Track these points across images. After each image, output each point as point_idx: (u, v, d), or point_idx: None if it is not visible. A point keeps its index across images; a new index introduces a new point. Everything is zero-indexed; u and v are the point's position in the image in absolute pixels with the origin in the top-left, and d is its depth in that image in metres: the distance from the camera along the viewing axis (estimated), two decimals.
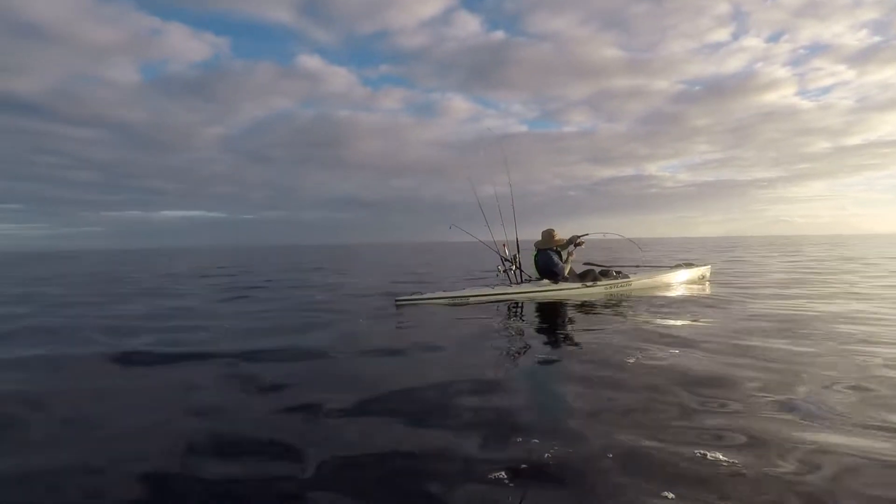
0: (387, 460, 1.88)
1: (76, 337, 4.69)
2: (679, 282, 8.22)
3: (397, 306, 6.13)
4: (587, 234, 7.25)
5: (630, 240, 8.84)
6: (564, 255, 7.18)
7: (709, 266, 9.26)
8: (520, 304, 6.27)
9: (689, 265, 8.77)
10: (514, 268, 7.03)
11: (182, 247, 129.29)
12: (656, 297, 6.72)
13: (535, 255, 7.29)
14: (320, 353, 3.77)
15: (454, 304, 6.31)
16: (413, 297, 6.45)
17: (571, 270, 7.27)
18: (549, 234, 7.18)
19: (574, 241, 7.25)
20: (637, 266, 8.46)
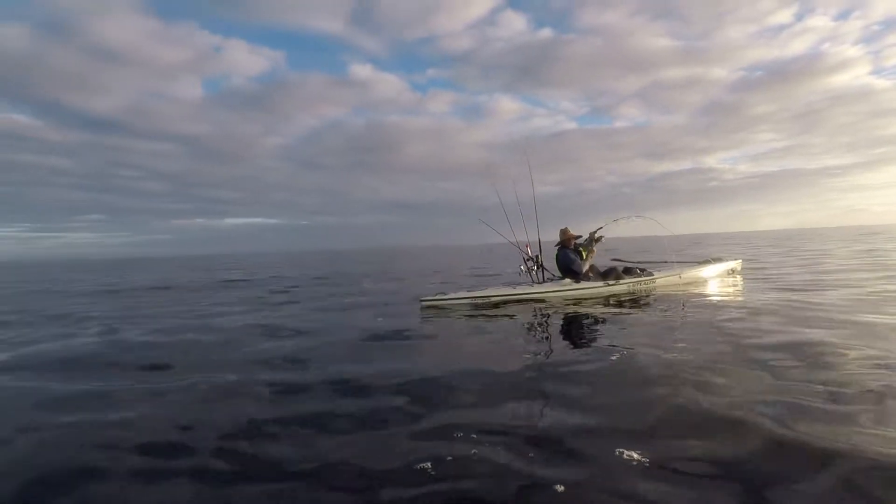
0: None
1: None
2: (706, 277, 8.28)
3: (422, 307, 6.60)
4: (601, 228, 7.52)
5: (658, 224, 7.79)
6: (585, 253, 7.42)
7: (739, 260, 9.29)
8: (542, 304, 6.59)
9: (717, 260, 8.82)
10: (535, 267, 7.35)
11: (247, 252, 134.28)
12: (677, 293, 6.86)
13: (557, 255, 7.58)
14: None
15: (477, 304, 6.68)
16: (437, 297, 6.90)
17: (594, 268, 7.49)
18: (564, 233, 7.44)
19: (593, 238, 7.48)
20: (664, 262, 8.54)
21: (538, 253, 7.39)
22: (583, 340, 4.36)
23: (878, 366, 2.93)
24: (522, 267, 7.38)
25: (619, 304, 6.21)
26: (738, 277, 8.54)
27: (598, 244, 7.56)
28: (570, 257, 7.34)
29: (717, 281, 8.14)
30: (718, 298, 6.34)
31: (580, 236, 7.47)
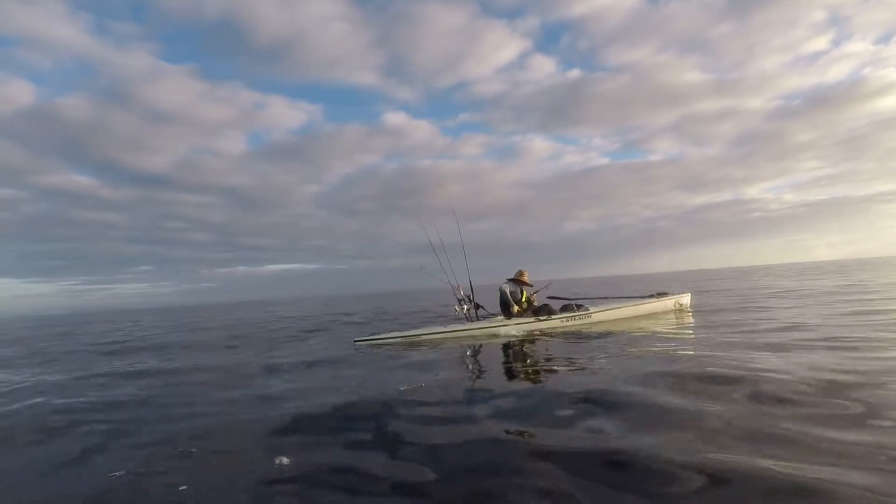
0: None
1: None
2: (646, 313, 8.24)
3: (356, 347, 6.98)
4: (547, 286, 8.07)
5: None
6: (521, 292, 7.81)
7: (688, 294, 9.06)
8: (469, 340, 6.98)
9: (662, 295, 8.66)
10: (466, 308, 7.77)
11: (287, 297, 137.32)
12: (613, 330, 6.74)
13: (500, 292, 7.99)
14: None
15: (408, 343, 6.99)
16: (371, 337, 7.44)
17: (530, 304, 7.85)
18: (519, 273, 7.93)
19: (532, 285, 7.94)
20: (604, 298, 8.72)
21: (470, 294, 7.82)
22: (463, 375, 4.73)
23: None
24: (456, 307, 7.81)
25: (531, 341, 6.48)
26: (687, 314, 8.21)
27: (542, 290, 7.98)
28: (506, 294, 7.73)
29: (657, 317, 7.91)
30: (636, 336, 6.10)
31: (530, 285, 7.92)
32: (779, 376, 3.33)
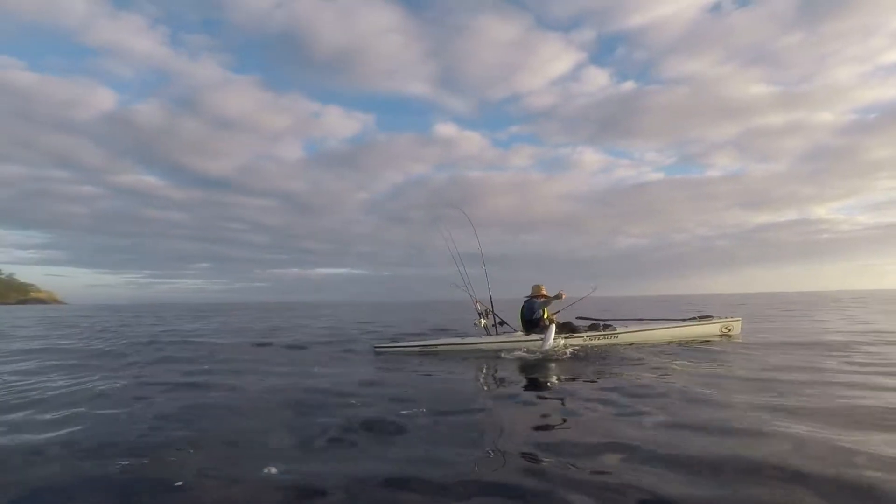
0: None
1: None
2: (684, 338, 7.53)
3: (376, 353, 7.07)
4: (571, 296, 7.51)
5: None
6: (541, 307, 7.43)
7: (738, 320, 8.11)
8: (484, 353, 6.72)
9: (705, 318, 7.90)
10: (483, 322, 7.45)
11: (335, 301, 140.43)
12: (638, 355, 6.15)
13: (522, 307, 7.66)
14: None
15: (425, 353, 7.02)
16: (391, 345, 7.37)
17: (554, 321, 7.45)
18: (536, 288, 7.56)
19: (557, 295, 7.49)
20: (640, 319, 8.12)
21: (489, 308, 7.53)
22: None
23: None
24: (478, 321, 7.53)
25: (551, 360, 6.11)
26: (735, 339, 7.43)
27: (560, 301, 7.52)
28: (531, 309, 7.42)
29: (695, 342, 7.20)
30: (669, 363, 5.58)
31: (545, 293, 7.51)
32: None
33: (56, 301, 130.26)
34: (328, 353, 7.37)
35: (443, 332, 10.45)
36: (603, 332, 7.26)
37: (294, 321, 18.11)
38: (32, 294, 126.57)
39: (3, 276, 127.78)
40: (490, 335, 7.41)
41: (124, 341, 9.71)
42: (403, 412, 3.44)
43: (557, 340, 6.80)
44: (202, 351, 7.89)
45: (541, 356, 6.27)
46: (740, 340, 7.46)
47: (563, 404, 3.74)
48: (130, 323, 17.89)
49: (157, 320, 19.94)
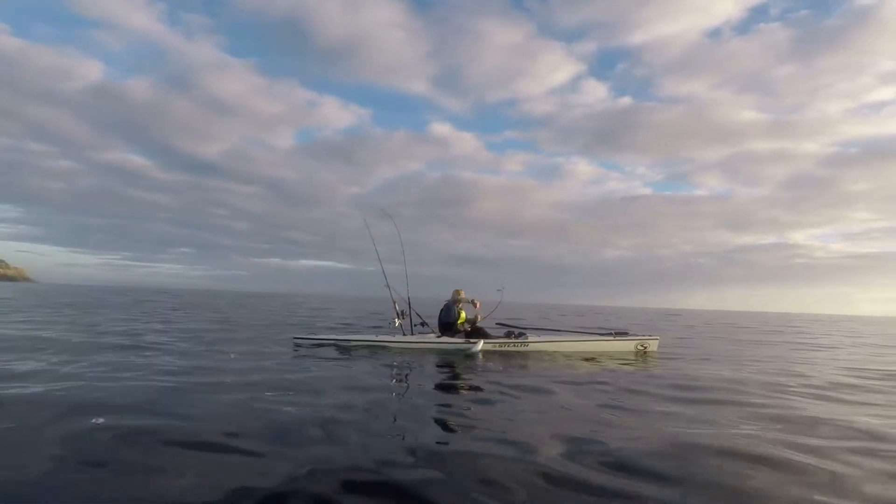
0: None
1: None
2: (597, 351, 7.57)
3: (295, 345, 7.18)
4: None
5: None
6: (457, 311, 7.56)
7: (656, 339, 7.98)
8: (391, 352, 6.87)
9: (622, 334, 7.97)
10: (398, 322, 7.58)
11: (319, 293, 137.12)
12: (542, 364, 6.27)
13: (441, 310, 7.80)
14: None
15: (339, 346, 7.20)
16: (309, 336, 7.63)
17: (467, 325, 7.59)
18: (456, 293, 7.70)
19: (472, 301, 7.63)
20: (557, 330, 8.29)
21: (405, 308, 7.63)
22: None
23: None
24: (396, 320, 7.61)
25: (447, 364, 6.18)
26: (650, 358, 7.34)
27: (476, 308, 7.66)
28: (448, 313, 7.59)
29: (611, 358, 7.09)
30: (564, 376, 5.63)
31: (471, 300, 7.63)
32: None
33: (26, 279, 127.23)
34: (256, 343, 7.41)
35: (376, 328, 10.54)
36: (515, 340, 7.40)
37: (247, 311, 17.98)
38: (1, 270, 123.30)
39: None
40: (405, 335, 7.52)
41: None
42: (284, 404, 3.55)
43: (478, 344, 6.97)
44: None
45: (452, 358, 6.49)
46: (656, 357, 7.41)
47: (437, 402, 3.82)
48: None
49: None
